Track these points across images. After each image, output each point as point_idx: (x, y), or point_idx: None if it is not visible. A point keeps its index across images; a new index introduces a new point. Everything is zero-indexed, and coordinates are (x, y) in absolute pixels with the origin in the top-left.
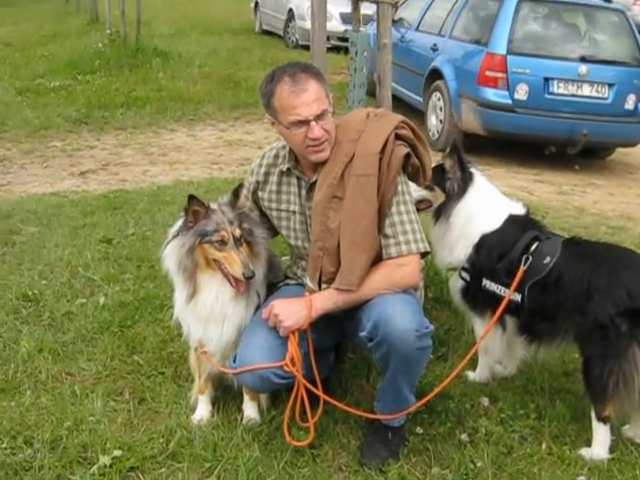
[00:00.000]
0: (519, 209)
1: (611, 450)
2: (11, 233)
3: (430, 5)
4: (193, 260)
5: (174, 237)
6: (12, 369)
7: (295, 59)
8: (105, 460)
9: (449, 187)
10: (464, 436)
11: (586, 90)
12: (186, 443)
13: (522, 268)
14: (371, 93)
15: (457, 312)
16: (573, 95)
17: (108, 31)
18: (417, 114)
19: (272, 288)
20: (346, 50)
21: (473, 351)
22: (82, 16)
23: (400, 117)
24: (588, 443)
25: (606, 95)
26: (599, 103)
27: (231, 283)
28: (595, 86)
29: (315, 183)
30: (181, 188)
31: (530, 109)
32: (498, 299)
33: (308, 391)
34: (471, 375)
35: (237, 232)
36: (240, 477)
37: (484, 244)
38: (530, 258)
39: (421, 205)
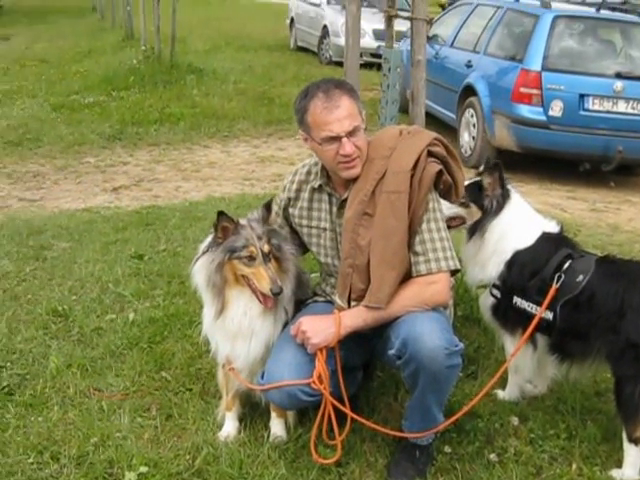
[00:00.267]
0: (553, 227)
1: None
2: (42, 249)
3: (465, 22)
4: (222, 276)
5: (204, 253)
6: (40, 384)
7: (329, 75)
8: (131, 476)
9: (487, 204)
10: (493, 456)
11: (622, 107)
12: (212, 460)
13: (554, 286)
14: (404, 110)
15: (487, 330)
16: (608, 112)
17: (143, 47)
18: (450, 131)
19: (300, 305)
20: (379, 66)
21: (503, 369)
22: (117, 32)
23: (433, 134)
24: (619, 464)
25: None
26: (635, 120)
27: (259, 299)
28: (631, 102)
29: (346, 200)
30: (213, 204)
31: (565, 126)
32: (529, 317)
33: (335, 409)
34: (501, 394)
35: (266, 248)
36: None
37: (516, 261)
38: (563, 276)
39: (453, 222)
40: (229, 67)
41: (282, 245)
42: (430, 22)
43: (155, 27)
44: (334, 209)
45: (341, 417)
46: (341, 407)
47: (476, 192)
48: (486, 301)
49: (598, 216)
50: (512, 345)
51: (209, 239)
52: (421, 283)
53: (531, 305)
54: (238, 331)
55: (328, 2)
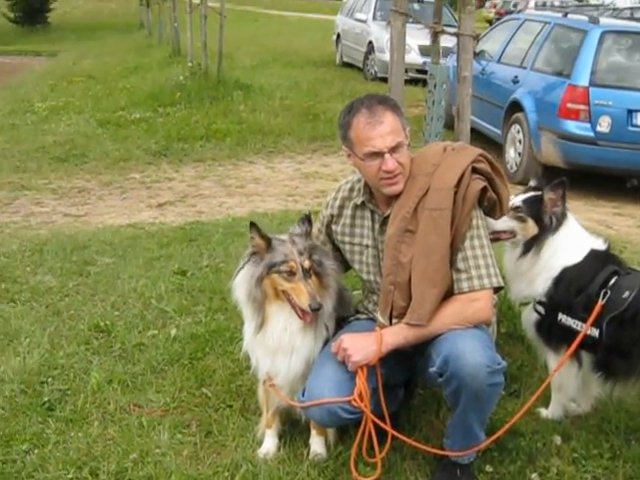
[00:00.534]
0: (600, 244)
1: None
2: (86, 264)
3: (512, 37)
4: (262, 290)
5: (243, 266)
6: (81, 400)
7: (373, 91)
8: None
9: (547, 221)
10: (535, 475)
11: None
12: (251, 477)
13: (600, 302)
14: (449, 126)
15: (530, 347)
16: None
17: (189, 64)
18: (495, 146)
19: (342, 322)
20: (424, 82)
21: (545, 385)
22: (164, 49)
23: (478, 150)
24: None
25: None
26: None
27: (298, 314)
28: None
29: (389, 217)
30: (256, 220)
31: (612, 142)
32: (574, 334)
33: (376, 427)
34: (544, 412)
35: (306, 263)
36: None
37: (564, 278)
38: (608, 292)
39: (503, 235)
40: (276, 83)
41: (323, 261)
42: (477, 38)
43: (202, 43)
44: (376, 226)
45: (381, 435)
46: (382, 424)
47: (536, 207)
48: (529, 317)
49: None
50: (556, 363)
51: (248, 251)
52: (463, 300)
53: (577, 322)
54: (278, 346)
55: (374, 18)
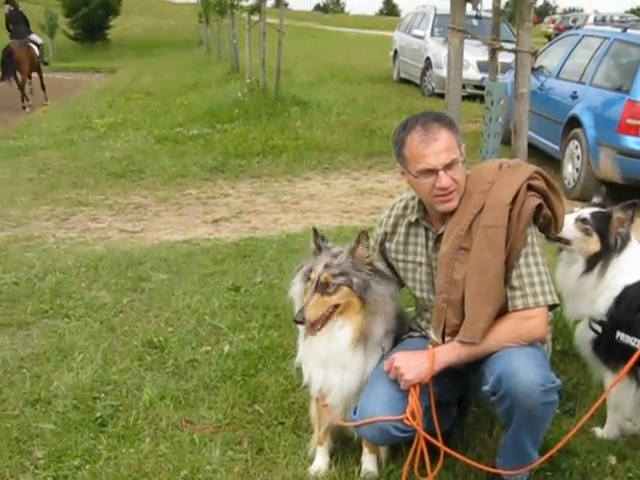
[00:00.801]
0: None
1: None
2: (141, 280)
3: (571, 53)
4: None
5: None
6: (133, 416)
7: (430, 107)
8: None
9: (612, 240)
10: None
11: None
12: None
13: None
14: (506, 142)
15: (586, 365)
16: None
17: (248, 80)
18: (553, 162)
19: (397, 340)
20: (482, 98)
21: (598, 403)
22: (223, 65)
23: (534, 167)
24: None
25: None
26: None
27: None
28: None
29: (442, 234)
30: (310, 236)
31: None
32: (632, 352)
33: (428, 445)
34: (599, 432)
35: (324, 277)
36: None
37: (625, 296)
38: None
39: (561, 241)
40: (332, 99)
41: (372, 285)
42: (535, 54)
43: (260, 60)
44: (430, 243)
45: (433, 453)
46: (434, 442)
47: (604, 224)
48: (585, 335)
49: None
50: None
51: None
52: (517, 318)
53: (635, 340)
54: (327, 356)
55: (432, 34)
